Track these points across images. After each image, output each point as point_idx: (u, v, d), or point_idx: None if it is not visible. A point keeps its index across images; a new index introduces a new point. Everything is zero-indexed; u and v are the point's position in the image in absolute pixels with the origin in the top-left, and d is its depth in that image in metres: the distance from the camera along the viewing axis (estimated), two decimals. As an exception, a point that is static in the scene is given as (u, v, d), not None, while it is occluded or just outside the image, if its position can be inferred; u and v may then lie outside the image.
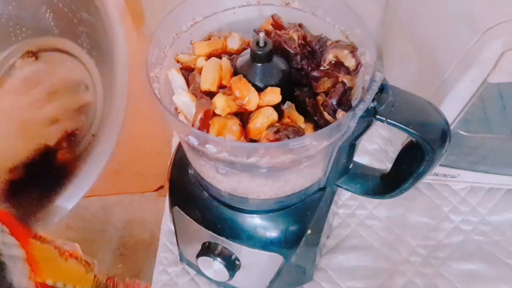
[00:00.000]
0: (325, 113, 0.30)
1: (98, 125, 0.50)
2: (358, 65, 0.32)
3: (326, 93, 0.31)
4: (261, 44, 0.30)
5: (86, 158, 0.45)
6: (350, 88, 0.30)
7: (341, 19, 0.34)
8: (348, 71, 0.31)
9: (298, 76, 0.33)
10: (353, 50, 0.31)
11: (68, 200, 0.43)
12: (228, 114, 0.30)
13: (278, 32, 0.33)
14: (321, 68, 0.32)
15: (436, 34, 0.42)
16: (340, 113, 0.29)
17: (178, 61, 0.34)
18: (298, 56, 0.32)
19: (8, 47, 0.55)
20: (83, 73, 0.53)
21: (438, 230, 0.52)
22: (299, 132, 0.29)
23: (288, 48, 0.32)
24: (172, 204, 0.44)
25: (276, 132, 0.29)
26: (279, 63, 0.31)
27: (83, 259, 0.56)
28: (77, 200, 0.42)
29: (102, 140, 0.41)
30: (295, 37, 0.33)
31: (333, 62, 0.32)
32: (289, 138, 0.28)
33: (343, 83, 0.30)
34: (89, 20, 0.49)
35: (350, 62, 0.31)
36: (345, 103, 0.30)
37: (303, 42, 0.33)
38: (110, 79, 0.44)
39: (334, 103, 0.30)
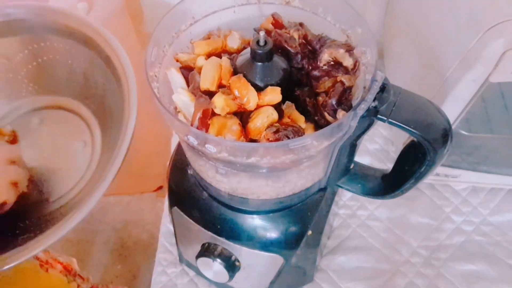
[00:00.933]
0: (326, 113, 0.30)
1: (86, 181, 0.50)
2: (356, 63, 0.31)
3: (327, 92, 0.31)
4: (261, 43, 0.29)
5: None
6: (350, 88, 0.30)
7: (342, 18, 0.34)
8: (347, 71, 0.31)
9: (299, 76, 0.33)
10: (349, 49, 0.31)
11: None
12: (228, 113, 0.29)
13: (279, 31, 0.33)
14: (317, 70, 0.32)
15: (438, 34, 0.42)
16: (340, 113, 0.29)
17: (177, 60, 0.34)
18: (299, 56, 0.32)
19: (15, 101, 0.56)
20: (83, 131, 0.54)
21: (439, 230, 0.52)
22: (299, 132, 0.29)
23: (288, 48, 0.32)
24: (171, 205, 0.43)
25: (276, 132, 0.28)
26: (279, 62, 0.31)
27: (77, 273, 0.56)
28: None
29: (82, 203, 0.41)
30: (296, 36, 0.33)
31: (331, 62, 0.31)
32: (288, 138, 0.28)
33: (342, 83, 0.30)
34: (105, 86, 0.50)
35: (348, 62, 0.31)
36: (345, 103, 0.30)
37: (303, 41, 0.33)
38: (113, 139, 0.45)
39: (334, 103, 0.29)
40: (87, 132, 0.54)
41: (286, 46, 0.32)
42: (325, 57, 0.31)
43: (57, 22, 0.50)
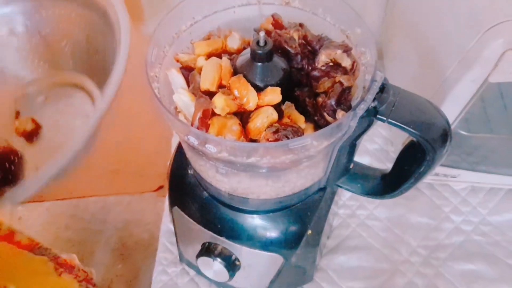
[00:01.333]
0: (325, 114, 0.30)
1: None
2: (354, 63, 0.31)
3: (326, 93, 0.31)
4: (261, 43, 0.30)
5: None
6: (349, 88, 0.30)
7: (342, 19, 0.34)
8: (345, 71, 0.31)
9: (298, 76, 0.33)
10: (346, 49, 0.31)
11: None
12: (228, 114, 0.29)
13: (279, 31, 0.33)
14: (317, 70, 0.32)
15: (437, 34, 0.42)
16: (340, 113, 0.29)
17: (177, 61, 0.34)
18: (299, 56, 0.32)
19: (22, 79, 0.56)
20: (88, 105, 0.54)
21: (438, 230, 0.52)
22: (298, 132, 0.29)
23: (288, 48, 0.32)
24: (171, 204, 0.43)
25: (275, 132, 0.29)
26: (279, 62, 0.31)
27: (80, 268, 0.56)
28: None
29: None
30: (296, 36, 0.33)
31: (330, 63, 0.31)
32: (288, 138, 0.28)
33: (341, 83, 0.30)
34: (104, 43, 0.50)
35: (346, 62, 0.31)
36: (344, 103, 0.30)
37: (303, 41, 0.33)
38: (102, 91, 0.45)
39: (333, 103, 0.30)
40: (89, 105, 0.54)
41: (286, 46, 0.32)
42: (323, 58, 0.31)
43: None
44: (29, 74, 0.57)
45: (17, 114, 0.53)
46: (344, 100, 0.30)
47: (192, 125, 0.29)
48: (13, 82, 0.56)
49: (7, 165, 0.48)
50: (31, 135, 0.52)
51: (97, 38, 0.51)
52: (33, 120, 0.53)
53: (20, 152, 0.48)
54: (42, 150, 0.52)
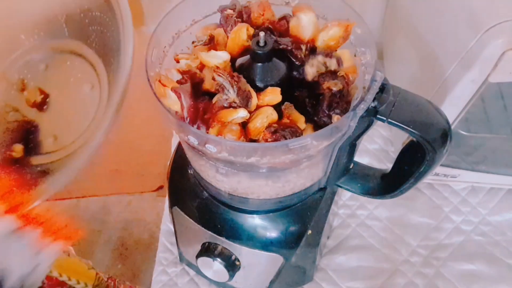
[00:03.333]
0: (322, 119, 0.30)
1: (97, 124, 0.50)
2: (338, 61, 0.31)
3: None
4: (261, 43, 0.30)
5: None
6: (340, 91, 0.30)
7: (342, 19, 0.34)
8: (334, 75, 0.31)
9: (298, 75, 0.33)
10: (327, 54, 0.31)
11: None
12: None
13: (284, 40, 0.33)
14: (307, 79, 0.32)
15: (437, 34, 0.42)
16: (335, 117, 0.29)
17: (177, 61, 0.34)
18: (302, 67, 0.32)
19: (20, 48, 0.56)
20: (90, 73, 0.54)
21: (438, 230, 0.52)
22: (296, 133, 0.29)
23: (293, 59, 0.32)
24: (171, 204, 0.43)
25: (274, 132, 0.29)
26: (279, 63, 0.31)
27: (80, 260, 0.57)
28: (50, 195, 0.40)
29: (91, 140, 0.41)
30: (303, 47, 0.32)
31: (320, 72, 0.32)
32: (286, 138, 0.28)
33: (329, 89, 0.30)
34: (101, 18, 0.50)
35: (332, 64, 0.31)
36: (337, 107, 0.30)
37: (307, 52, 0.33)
38: (115, 77, 0.45)
39: (324, 108, 0.30)
40: (93, 73, 0.54)
41: (290, 57, 0.32)
42: (309, 71, 0.31)
43: None
44: (24, 43, 0.56)
45: (23, 84, 0.52)
46: (336, 104, 0.30)
47: (183, 118, 0.29)
48: (9, 52, 0.56)
49: (27, 135, 0.48)
50: (41, 105, 0.52)
51: (92, 9, 0.51)
52: (40, 90, 0.52)
53: (35, 121, 0.48)
54: (54, 117, 0.52)
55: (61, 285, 0.49)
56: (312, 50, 0.33)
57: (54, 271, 0.48)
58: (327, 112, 0.30)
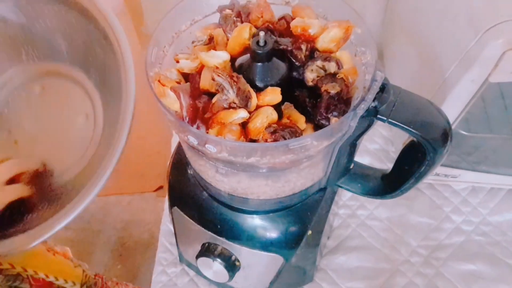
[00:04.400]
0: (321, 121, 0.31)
1: (90, 157, 0.50)
2: (338, 63, 0.31)
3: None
4: (261, 43, 0.30)
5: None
6: (338, 93, 0.30)
7: (342, 19, 0.34)
8: (334, 77, 0.31)
9: (298, 76, 0.33)
10: (326, 57, 0.31)
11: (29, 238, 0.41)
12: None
13: (285, 40, 0.33)
14: (308, 85, 0.32)
15: (437, 34, 0.42)
16: (333, 120, 0.29)
17: (177, 61, 0.34)
18: (302, 68, 0.32)
19: (16, 65, 0.56)
20: (86, 103, 0.54)
21: (439, 230, 0.52)
22: (296, 133, 0.29)
23: (293, 59, 0.32)
24: (171, 205, 0.43)
25: (273, 132, 0.29)
26: (279, 63, 0.31)
27: (74, 261, 0.57)
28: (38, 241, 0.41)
29: (91, 177, 0.42)
30: (304, 47, 0.32)
31: (320, 76, 0.32)
32: (285, 139, 0.28)
33: (327, 92, 0.30)
34: (103, 55, 0.50)
35: (332, 67, 0.31)
36: (334, 109, 0.30)
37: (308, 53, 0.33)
38: (114, 114, 0.45)
39: (322, 111, 0.30)
40: (89, 104, 0.54)
41: (291, 57, 0.32)
42: (309, 77, 0.31)
43: None
44: (23, 60, 0.57)
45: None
46: (334, 107, 0.30)
47: (182, 117, 0.29)
48: (7, 69, 0.56)
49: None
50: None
51: (95, 47, 0.51)
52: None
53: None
54: (44, 143, 0.52)
55: (49, 286, 0.48)
56: (312, 51, 0.33)
57: (40, 272, 0.48)
58: (324, 114, 0.30)
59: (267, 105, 0.30)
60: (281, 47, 0.31)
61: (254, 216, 0.39)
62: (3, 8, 0.52)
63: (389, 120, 0.30)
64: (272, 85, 0.30)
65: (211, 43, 0.35)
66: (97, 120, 0.52)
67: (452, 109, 0.40)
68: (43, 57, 0.56)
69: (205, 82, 0.31)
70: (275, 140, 0.28)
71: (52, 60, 0.56)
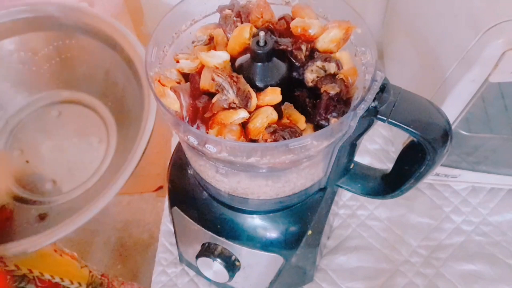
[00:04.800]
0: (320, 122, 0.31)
1: (99, 177, 0.52)
2: (337, 64, 0.31)
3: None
4: (261, 43, 0.30)
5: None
6: (338, 94, 0.30)
7: (342, 19, 0.34)
8: (333, 78, 0.31)
9: (298, 76, 0.33)
10: (326, 58, 0.31)
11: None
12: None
13: (285, 41, 0.33)
14: (308, 85, 0.32)
15: (437, 34, 0.42)
16: (332, 120, 0.29)
17: (177, 61, 0.34)
18: (302, 68, 0.32)
19: (36, 94, 0.58)
20: (100, 127, 0.56)
21: (439, 230, 0.52)
22: (296, 133, 0.29)
23: (293, 60, 0.32)
24: (171, 205, 0.43)
25: (273, 132, 0.29)
26: (279, 62, 0.31)
27: (81, 262, 0.57)
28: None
29: (96, 201, 0.44)
30: (304, 47, 0.32)
31: (319, 77, 0.32)
32: (285, 139, 0.28)
33: (327, 93, 0.30)
34: (124, 85, 0.52)
35: (332, 67, 0.31)
36: (334, 110, 0.30)
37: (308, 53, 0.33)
38: (129, 143, 0.47)
39: (321, 112, 0.30)
40: (103, 129, 0.56)
41: (291, 58, 0.32)
42: (309, 77, 0.31)
43: (85, 22, 0.52)
44: (43, 89, 0.59)
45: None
46: (334, 108, 0.30)
47: (182, 117, 0.29)
48: (27, 95, 0.58)
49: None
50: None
51: (117, 75, 0.53)
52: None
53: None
54: (56, 162, 0.54)
55: (55, 287, 0.49)
56: (312, 51, 0.33)
57: (46, 273, 0.48)
58: (324, 115, 0.30)
59: (267, 105, 0.30)
60: (281, 47, 0.31)
61: (254, 216, 0.39)
62: (36, 40, 0.54)
63: (389, 120, 0.30)
64: (272, 85, 0.30)
65: (211, 43, 0.35)
66: (110, 143, 0.54)
67: (452, 109, 0.40)
68: (63, 86, 0.58)
69: (205, 82, 0.30)
70: (275, 140, 0.28)
71: (72, 89, 0.58)
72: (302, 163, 0.33)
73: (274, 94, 0.29)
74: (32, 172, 0.54)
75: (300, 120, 0.31)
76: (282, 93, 0.30)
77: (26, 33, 0.54)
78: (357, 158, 0.39)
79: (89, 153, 0.54)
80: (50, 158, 0.55)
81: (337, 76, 0.31)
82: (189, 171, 0.41)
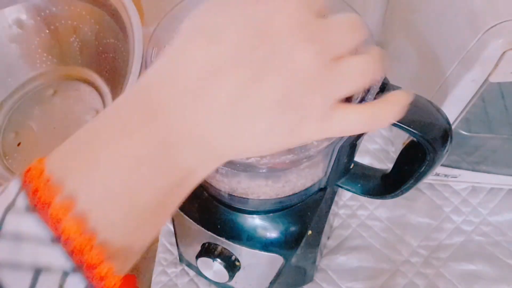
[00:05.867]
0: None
1: None
2: None
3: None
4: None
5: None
6: None
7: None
8: None
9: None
10: None
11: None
12: None
13: None
14: None
15: (437, 33, 0.42)
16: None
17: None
18: None
19: (31, 73, 0.57)
20: (95, 99, 0.55)
21: (439, 230, 0.52)
22: None
23: None
24: (171, 205, 0.43)
25: None
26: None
27: None
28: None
29: None
30: None
31: None
32: None
33: None
34: (115, 45, 0.51)
35: None
36: None
37: None
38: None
39: None
40: (99, 100, 0.55)
41: None
42: None
43: None
44: (37, 67, 0.58)
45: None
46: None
47: None
48: (21, 75, 0.57)
49: None
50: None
51: (107, 37, 0.52)
52: None
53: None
54: (55, 141, 0.53)
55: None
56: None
57: None
58: None
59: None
60: None
61: (254, 216, 0.39)
62: (19, 12, 0.53)
63: (389, 120, 0.30)
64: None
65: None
66: None
67: (452, 109, 0.40)
68: (57, 61, 0.57)
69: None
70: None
71: (65, 64, 0.57)
72: (302, 163, 0.33)
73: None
74: (21, 156, 0.53)
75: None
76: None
77: (7, 6, 0.52)
78: (357, 158, 0.39)
79: None
80: (45, 139, 0.54)
81: None
82: (189, 171, 0.41)
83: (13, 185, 0.19)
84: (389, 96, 0.22)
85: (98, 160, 0.19)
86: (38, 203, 0.18)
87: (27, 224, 0.18)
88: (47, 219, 0.18)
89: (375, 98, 0.29)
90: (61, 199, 0.18)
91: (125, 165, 0.20)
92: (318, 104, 0.20)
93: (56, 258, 0.18)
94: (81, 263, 0.18)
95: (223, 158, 0.22)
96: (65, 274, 0.18)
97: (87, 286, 0.18)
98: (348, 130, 0.22)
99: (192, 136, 0.20)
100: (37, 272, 0.17)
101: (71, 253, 0.18)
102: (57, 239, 0.18)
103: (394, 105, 0.22)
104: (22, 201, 0.18)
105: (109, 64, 0.54)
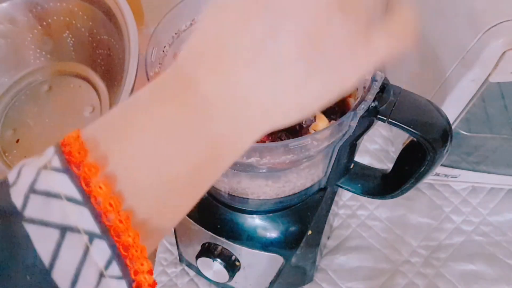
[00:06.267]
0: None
1: None
2: None
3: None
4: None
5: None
6: None
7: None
8: None
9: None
10: None
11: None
12: None
13: None
14: None
15: (437, 33, 0.42)
16: (331, 121, 0.30)
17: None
18: None
19: (25, 69, 0.57)
20: (92, 95, 0.55)
21: (439, 230, 0.52)
22: (292, 134, 0.29)
23: None
24: (171, 205, 0.43)
25: (269, 134, 0.29)
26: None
27: None
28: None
29: None
30: None
31: None
32: (281, 139, 0.28)
33: None
34: (108, 41, 0.51)
35: None
36: (332, 112, 0.30)
37: None
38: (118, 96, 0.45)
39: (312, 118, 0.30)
40: (94, 96, 0.55)
41: None
42: None
43: None
44: (31, 64, 0.57)
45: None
46: (332, 110, 0.30)
47: None
48: (15, 72, 0.57)
49: None
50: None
51: (101, 33, 0.51)
52: None
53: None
54: (50, 138, 0.52)
55: None
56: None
57: None
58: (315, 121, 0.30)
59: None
60: None
61: (254, 216, 0.39)
62: (12, 9, 0.53)
63: (389, 120, 0.30)
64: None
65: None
66: (103, 110, 0.53)
67: (452, 109, 0.40)
68: (50, 57, 0.57)
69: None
70: (272, 141, 0.28)
71: (59, 60, 0.57)
72: (302, 163, 0.33)
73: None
74: (21, 152, 0.53)
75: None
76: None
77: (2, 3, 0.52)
78: (357, 158, 0.39)
79: (84, 123, 0.53)
80: (43, 135, 0.53)
81: None
82: (189, 171, 0.41)
83: (50, 149, 0.19)
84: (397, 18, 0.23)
85: (132, 125, 0.19)
86: (71, 163, 0.18)
87: (59, 183, 0.18)
88: (77, 178, 0.18)
89: (375, 98, 0.29)
90: (92, 160, 0.18)
91: (158, 130, 0.19)
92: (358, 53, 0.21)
93: (85, 219, 0.18)
94: (108, 227, 0.18)
95: (260, 129, 0.21)
96: (92, 237, 0.18)
97: (113, 251, 0.18)
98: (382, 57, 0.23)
99: (229, 103, 0.20)
100: (64, 230, 0.17)
101: (99, 215, 0.18)
102: (87, 200, 0.18)
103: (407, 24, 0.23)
104: (56, 162, 0.18)
105: (104, 60, 0.53)
